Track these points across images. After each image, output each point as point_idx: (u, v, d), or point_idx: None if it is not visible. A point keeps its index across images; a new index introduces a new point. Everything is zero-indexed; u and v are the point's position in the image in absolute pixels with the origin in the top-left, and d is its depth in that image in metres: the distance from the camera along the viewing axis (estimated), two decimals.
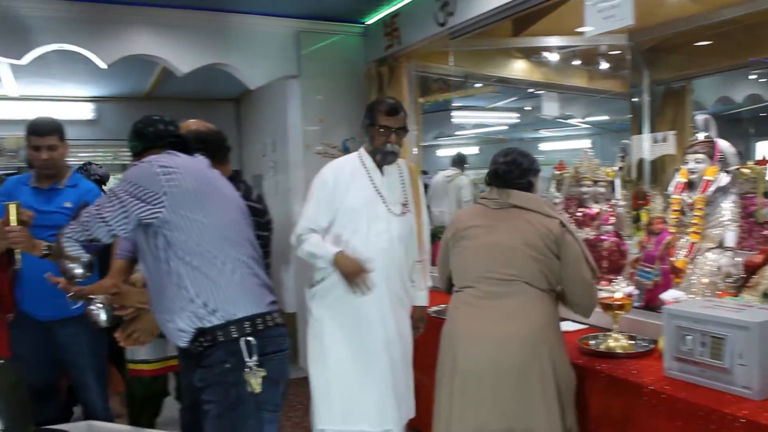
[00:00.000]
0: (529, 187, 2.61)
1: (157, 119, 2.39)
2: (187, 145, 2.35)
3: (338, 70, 5.54)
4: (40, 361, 3.11)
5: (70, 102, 7.48)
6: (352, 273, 2.81)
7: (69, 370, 3.23)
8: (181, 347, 2.27)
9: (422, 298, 3.23)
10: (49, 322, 3.07)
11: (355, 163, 3.02)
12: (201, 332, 2.13)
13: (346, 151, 5.55)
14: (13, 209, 2.77)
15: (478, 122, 8.45)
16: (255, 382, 2.08)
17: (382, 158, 2.98)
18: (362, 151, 3.06)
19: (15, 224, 2.76)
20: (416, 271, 3.14)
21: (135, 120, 2.44)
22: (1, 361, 2.27)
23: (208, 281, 2.12)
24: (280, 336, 2.23)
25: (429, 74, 5.67)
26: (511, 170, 2.59)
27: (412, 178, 3.13)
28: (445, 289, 2.87)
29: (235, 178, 2.83)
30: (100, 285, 2.51)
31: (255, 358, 2.10)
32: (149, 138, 2.34)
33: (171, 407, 3.49)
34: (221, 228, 2.17)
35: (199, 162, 2.32)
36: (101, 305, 2.41)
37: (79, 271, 2.30)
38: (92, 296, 2.41)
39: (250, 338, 2.11)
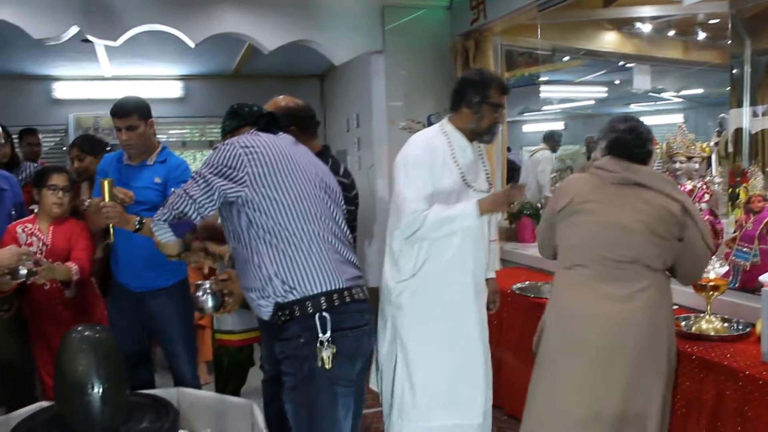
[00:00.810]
0: (647, 159, 2.50)
1: (251, 104, 2.50)
2: (271, 124, 2.42)
3: (423, 45, 5.49)
4: (133, 329, 3.23)
5: (160, 81, 7.72)
6: (508, 198, 2.68)
7: (159, 338, 3.35)
8: (260, 320, 2.33)
9: (493, 271, 3.10)
10: (141, 292, 3.18)
11: (442, 140, 2.81)
12: (279, 307, 2.18)
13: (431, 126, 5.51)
14: (106, 186, 2.88)
15: (564, 97, 8.24)
16: (325, 357, 2.10)
17: (490, 138, 2.85)
18: (447, 126, 2.84)
19: (108, 200, 2.88)
20: (491, 251, 3.03)
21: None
22: (98, 328, 2.36)
23: (285, 258, 2.16)
24: (358, 312, 2.23)
25: (515, 48, 5.55)
26: (633, 139, 2.47)
27: (487, 150, 3.02)
28: (549, 256, 2.76)
29: (324, 153, 2.86)
30: (225, 249, 2.59)
31: (328, 333, 2.12)
32: (244, 116, 2.44)
33: (257, 377, 3.58)
34: (300, 205, 2.20)
35: (282, 140, 2.35)
36: (208, 291, 2.48)
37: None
38: (199, 282, 2.50)
39: (324, 314, 2.13)
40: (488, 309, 3.02)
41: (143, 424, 2.39)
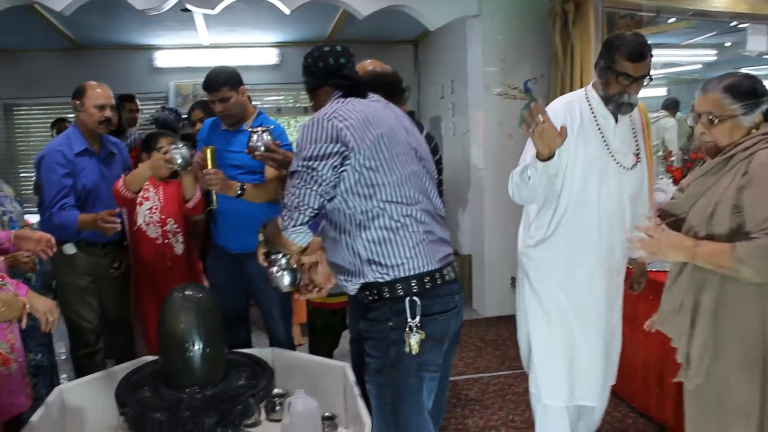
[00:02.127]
0: None
1: (327, 51, 2.23)
2: (358, 86, 2.19)
3: (520, 9, 5.35)
4: (231, 289, 3.33)
5: (256, 48, 7.80)
6: (551, 139, 2.34)
7: (256, 299, 3.43)
8: None
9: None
10: (238, 254, 3.26)
11: (584, 107, 2.64)
12: (366, 286, 2.09)
13: (528, 92, 5.38)
14: (208, 153, 2.96)
15: (668, 61, 7.85)
16: (414, 342, 2.01)
17: (616, 109, 2.61)
18: (591, 92, 2.66)
19: (210, 167, 2.95)
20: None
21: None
22: (199, 288, 2.44)
23: (379, 241, 2.05)
24: (448, 294, 2.11)
25: (617, 10, 5.32)
26: None
27: (644, 120, 2.75)
28: None
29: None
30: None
31: (417, 319, 2.02)
32: (318, 75, 2.23)
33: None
34: (398, 187, 2.05)
35: (375, 106, 2.17)
36: (285, 268, 2.27)
37: None
38: (275, 257, 2.27)
39: (415, 298, 2.02)
40: (632, 289, 2.91)
41: (240, 381, 2.47)
